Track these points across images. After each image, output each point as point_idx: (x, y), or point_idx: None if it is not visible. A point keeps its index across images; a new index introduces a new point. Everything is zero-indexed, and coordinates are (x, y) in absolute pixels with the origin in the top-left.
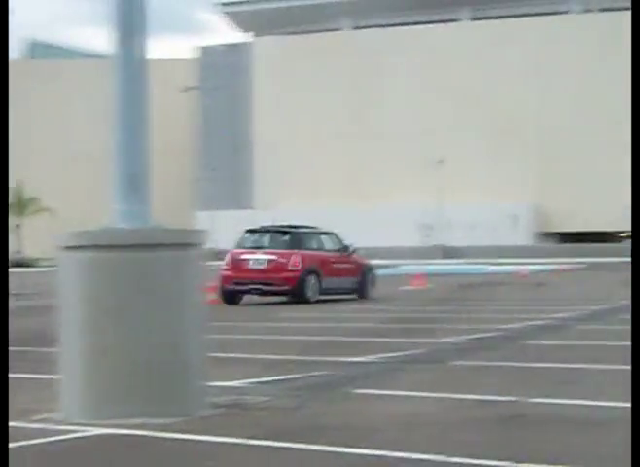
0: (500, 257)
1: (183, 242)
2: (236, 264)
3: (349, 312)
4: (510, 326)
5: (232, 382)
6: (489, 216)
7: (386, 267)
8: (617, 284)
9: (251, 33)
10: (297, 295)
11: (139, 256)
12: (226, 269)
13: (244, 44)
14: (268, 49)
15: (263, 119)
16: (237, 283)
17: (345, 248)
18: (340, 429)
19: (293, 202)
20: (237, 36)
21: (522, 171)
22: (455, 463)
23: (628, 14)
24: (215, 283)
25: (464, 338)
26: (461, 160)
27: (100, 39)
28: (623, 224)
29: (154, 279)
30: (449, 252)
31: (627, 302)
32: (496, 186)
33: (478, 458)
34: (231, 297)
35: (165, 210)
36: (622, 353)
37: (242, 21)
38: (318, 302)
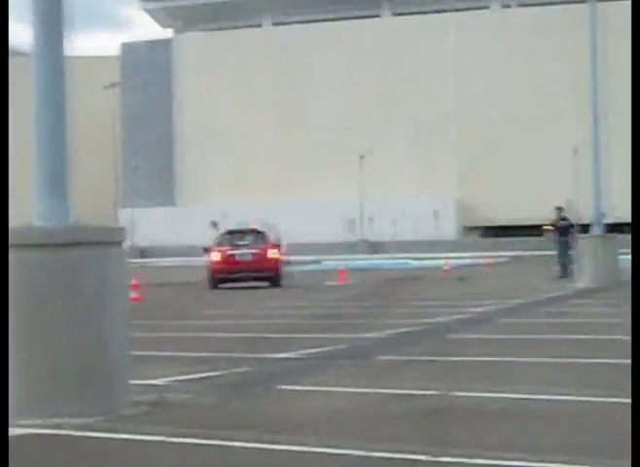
0: (424, 251)
1: (103, 240)
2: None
3: (271, 309)
4: (433, 320)
5: (155, 381)
6: (413, 210)
7: (311, 262)
8: (537, 277)
9: (173, 29)
10: (276, 281)
11: (59, 255)
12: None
13: (165, 40)
14: (189, 45)
15: (185, 115)
16: (229, 272)
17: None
18: (262, 425)
19: (217, 199)
20: (161, 32)
21: (445, 165)
22: (376, 457)
23: (548, 8)
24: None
25: (388, 332)
26: (385, 153)
27: (24, 36)
28: (546, 217)
29: (74, 278)
30: (373, 247)
31: (548, 295)
32: (419, 180)
33: (398, 452)
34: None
35: (88, 208)
36: (541, 346)
37: (163, 18)
38: (236, 299)
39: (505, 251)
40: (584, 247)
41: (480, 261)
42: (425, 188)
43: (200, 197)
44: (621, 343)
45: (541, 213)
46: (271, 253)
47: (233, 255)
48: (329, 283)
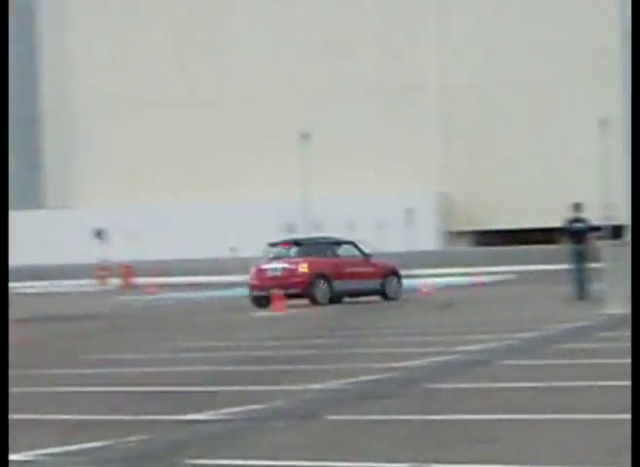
0: None
1: None
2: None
3: (180, 351)
4: (406, 364)
5: (18, 455)
6: (376, 211)
7: (234, 286)
8: (550, 302)
9: None
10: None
11: None
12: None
13: None
14: None
15: (56, 77)
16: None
17: (364, 254)
18: None
19: (105, 199)
20: None
21: (422, 150)
22: None
23: None
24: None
25: (344, 382)
26: (334, 136)
27: None
28: (561, 217)
29: None
30: None
31: (565, 326)
32: (384, 170)
33: None
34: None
35: None
36: (554, 398)
37: None
38: (138, 337)
39: (505, 265)
40: (615, 258)
41: (473, 279)
42: (392, 181)
43: (83, 197)
44: None
45: (553, 212)
46: (302, 267)
47: (265, 270)
48: (260, 313)
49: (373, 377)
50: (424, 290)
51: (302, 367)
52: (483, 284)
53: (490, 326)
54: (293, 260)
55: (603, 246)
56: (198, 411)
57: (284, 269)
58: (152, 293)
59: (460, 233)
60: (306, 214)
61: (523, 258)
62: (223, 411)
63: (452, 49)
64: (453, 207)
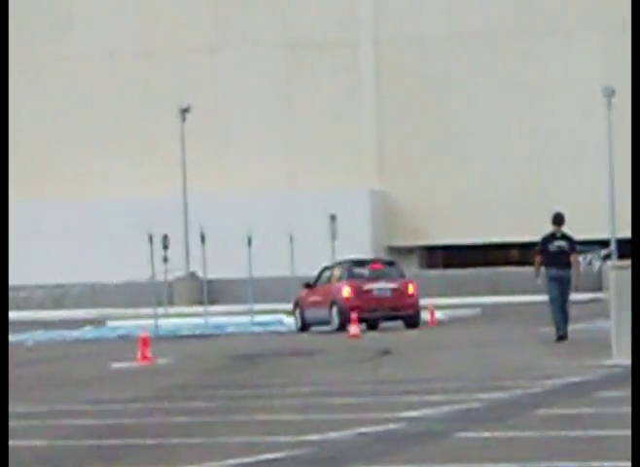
0: None
1: None
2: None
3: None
4: (327, 437)
5: None
6: (282, 217)
7: (85, 324)
8: (534, 346)
9: None
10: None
11: None
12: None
13: None
14: None
15: None
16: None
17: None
18: None
19: None
20: None
21: (350, 132)
22: None
23: None
24: None
25: (234, 463)
26: (223, 110)
27: None
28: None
29: None
30: (207, 290)
31: (552, 381)
32: (295, 159)
33: None
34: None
35: None
36: None
37: None
38: None
39: (466, 295)
40: (622, 285)
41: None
42: (307, 174)
43: None
44: None
45: (532, 222)
46: (411, 289)
47: (371, 290)
48: (118, 364)
49: (280, 454)
50: (353, 332)
51: (171, 440)
52: (436, 322)
53: (445, 382)
54: (398, 280)
55: (607, 269)
56: None
57: (393, 289)
58: None
59: (403, 250)
60: (182, 219)
61: (490, 285)
62: None
63: None
64: (393, 214)
